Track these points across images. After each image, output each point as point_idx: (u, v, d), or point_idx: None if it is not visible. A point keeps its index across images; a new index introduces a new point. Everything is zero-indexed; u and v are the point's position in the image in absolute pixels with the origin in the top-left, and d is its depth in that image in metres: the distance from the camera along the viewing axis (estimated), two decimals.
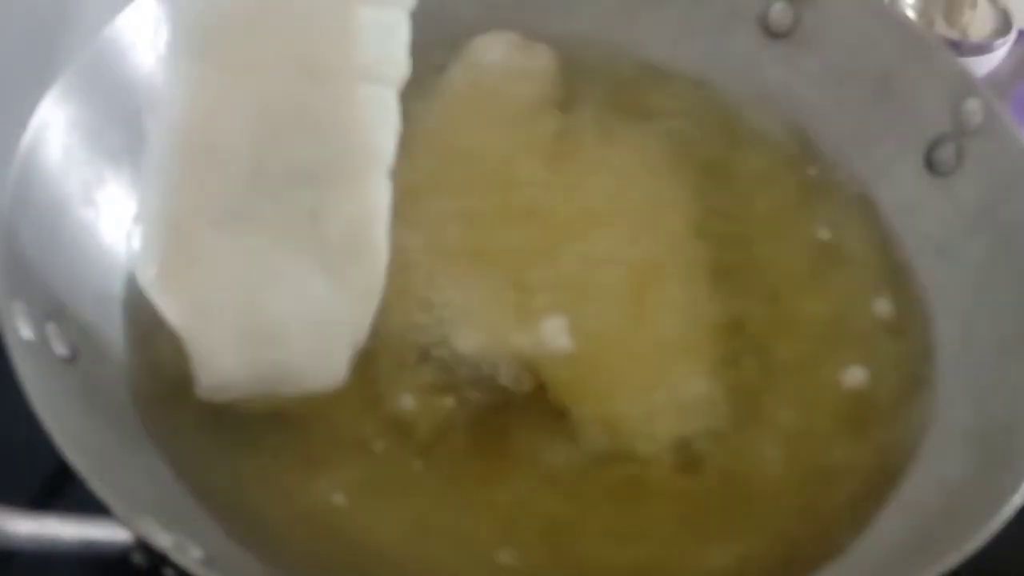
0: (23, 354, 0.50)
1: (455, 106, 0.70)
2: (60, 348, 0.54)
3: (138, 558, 0.47)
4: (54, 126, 0.59)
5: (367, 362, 0.58)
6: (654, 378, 0.60)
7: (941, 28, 0.87)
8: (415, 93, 0.70)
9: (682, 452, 0.57)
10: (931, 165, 0.67)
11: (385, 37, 0.54)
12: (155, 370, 0.57)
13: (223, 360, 0.52)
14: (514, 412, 0.58)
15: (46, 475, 0.60)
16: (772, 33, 0.73)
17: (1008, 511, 0.50)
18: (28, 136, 0.57)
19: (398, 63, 0.55)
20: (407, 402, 0.58)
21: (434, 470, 0.56)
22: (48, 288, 0.56)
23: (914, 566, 0.50)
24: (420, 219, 0.64)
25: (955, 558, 0.48)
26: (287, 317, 0.53)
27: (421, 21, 0.71)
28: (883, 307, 0.65)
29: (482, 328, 0.60)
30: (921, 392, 0.61)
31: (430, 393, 0.58)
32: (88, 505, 0.46)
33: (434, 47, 0.72)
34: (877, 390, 0.61)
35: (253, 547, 0.52)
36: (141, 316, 0.59)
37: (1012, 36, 0.87)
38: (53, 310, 0.55)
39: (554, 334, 0.60)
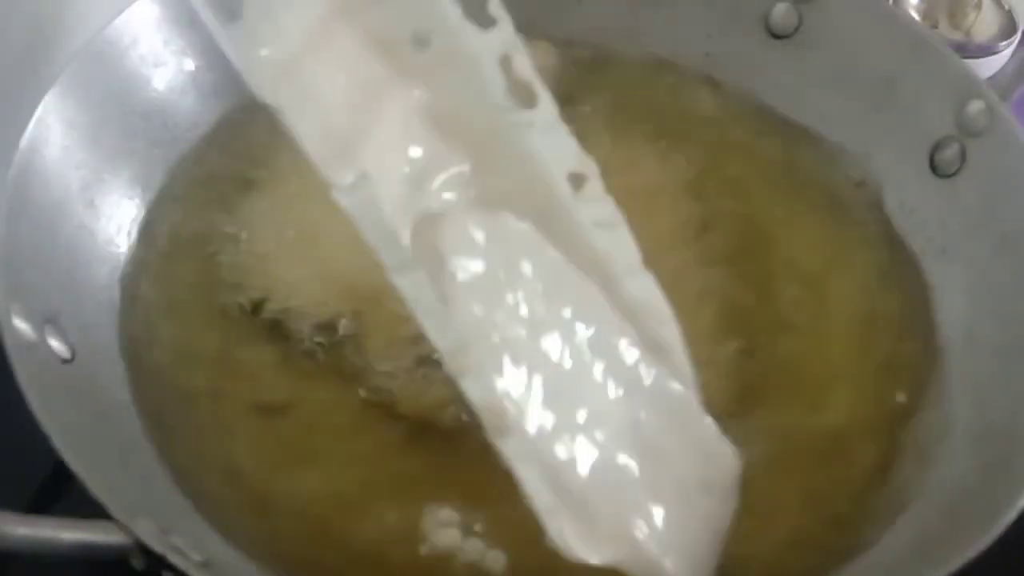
0: (22, 355, 0.50)
1: None
2: (59, 349, 0.54)
3: (136, 561, 0.46)
4: (53, 127, 0.59)
5: (363, 360, 0.58)
6: None
7: (945, 30, 0.87)
8: None
9: None
10: (935, 167, 0.67)
11: None
12: (153, 371, 0.57)
13: None
14: None
15: (44, 477, 0.60)
16: (775, 34, 0.73)
17: (1011, 515, 0.49)
18: (27, 137, 0.57)
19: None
20: (406, 401, 0.57)
21: (432, 468, 0.56)
22: (47, 289, 0.55)
23: (918, 569, 0.50)
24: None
25: (958, 561, 0.48)
26: None
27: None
28: (887, 309, 0.64)
29: None
30: (924, 394, 0.60)
31: (431, 390, 0.57)
32: (86, 507, 0.46)
33: None
34: (881, 391, 0.61)
35: (250, 549, 0.52)
36: (139, 317, 0.60)
37: (1016, 38, 0.87)
38: (52, 311, 0.55)
39: None
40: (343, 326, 0.60)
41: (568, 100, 0.71)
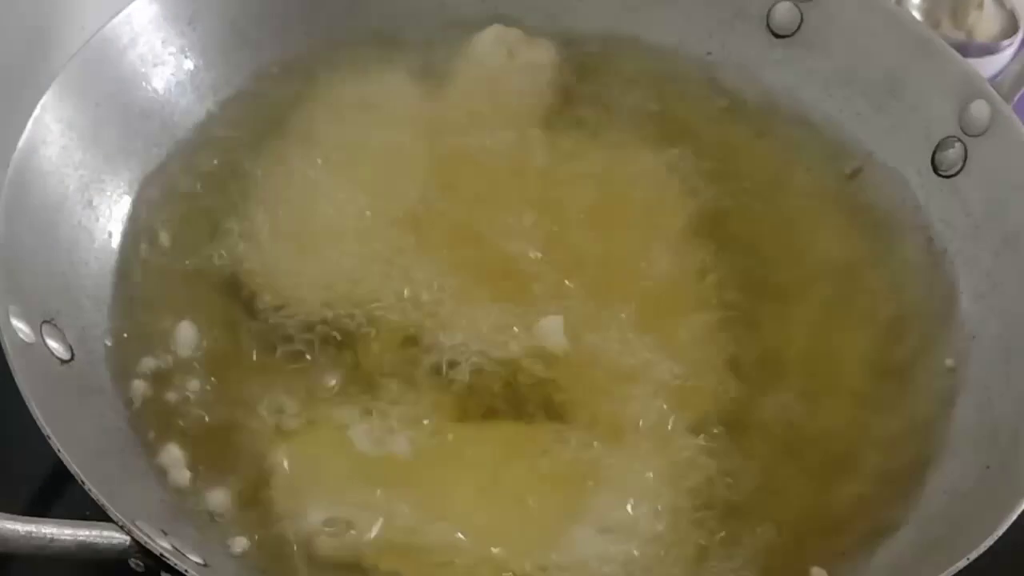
0: (21, 355, 0.50)
1: (457, 103, 0.70)
2: (57, 349, 0.54)
3: (135, 562, 0.46)
4: (51, 127, 0.59)
5: (364, 360, 0.59)
6: (651, 375, 0.59)
7: (947, 29, 0.87)
8: (417, 92, 0.71)
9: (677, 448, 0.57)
10: (937, 166, 0.67)
11: None
12: (152, 371, 0.57)
13: None
14: (511, 408, 0.58)
15: (44, 478, 0.60)
16: (776, 33, 0.73)
17: (1014, 515, 0.49)
18: (25, 137, 0.57)
19: None
20: (403, 404, 0.57)
21: (429, 469, 0.56)
22: (45, 290, 0.55)
23: (920, 569, 0.50)
24: (421, 218, 0.64)
25: (961, 562, 0.48)
26: None
27: (423, 18, 0.72)
28: (888, 311, 0.64)
29: (480, 326, 0.60)
30: (925, 394, 0.60)
31: (427, 392, 0.58)
32: (86, 508, 0.46)
33: (436, 43, 0.72)
34: (883, 391, 0.61)
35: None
36: (138, 317, 0.60)
37: (1019, 37, 0.86)
38: (50, 311, 0.55)
39: (550, 333, 0.60)
40: (342, 326, 0.60)
41: (568, 99, 0.72)
